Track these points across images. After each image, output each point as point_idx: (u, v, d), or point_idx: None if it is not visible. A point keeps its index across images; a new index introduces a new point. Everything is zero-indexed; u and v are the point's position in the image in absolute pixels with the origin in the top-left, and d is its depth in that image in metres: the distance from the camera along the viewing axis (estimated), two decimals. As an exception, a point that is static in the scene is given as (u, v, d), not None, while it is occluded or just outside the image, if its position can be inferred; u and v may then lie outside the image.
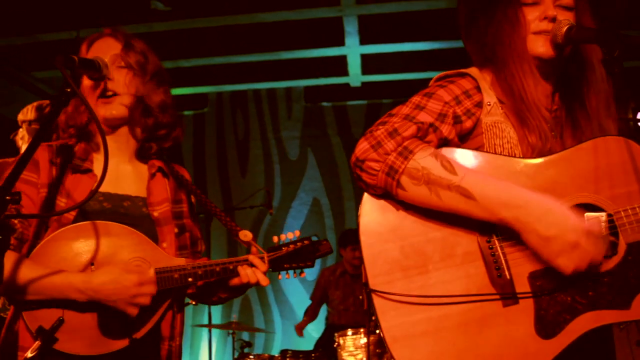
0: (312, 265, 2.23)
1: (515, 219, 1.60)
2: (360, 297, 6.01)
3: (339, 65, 7.45)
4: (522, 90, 1.80)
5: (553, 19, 1.80)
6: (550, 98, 1.90)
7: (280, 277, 2.23)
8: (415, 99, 1.82)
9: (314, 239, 2.26)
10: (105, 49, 2.15)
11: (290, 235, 2.22)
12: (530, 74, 1.81)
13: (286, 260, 2.20)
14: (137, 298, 1.92)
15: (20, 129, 3.26)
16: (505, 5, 1.86)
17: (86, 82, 2.11)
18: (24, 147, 3.23)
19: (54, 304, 1.91)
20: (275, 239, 2.22)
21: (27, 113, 3.24)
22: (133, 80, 2.14)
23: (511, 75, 1.82)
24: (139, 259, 2.03)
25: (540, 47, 1.82)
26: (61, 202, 2.03)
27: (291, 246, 2.20)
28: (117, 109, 2.11)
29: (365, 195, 1.77)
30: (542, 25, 1.82)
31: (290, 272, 2.23)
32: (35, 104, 3.28)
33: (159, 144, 2.23)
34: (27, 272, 1.87)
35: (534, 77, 1.82)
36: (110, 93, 2.10)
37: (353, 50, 6.96)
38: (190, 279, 2.05)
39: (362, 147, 1.71)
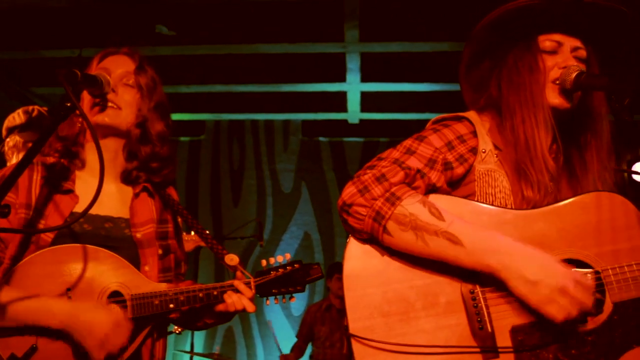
0: (302, 290, 2.15)
1: (502, 265, 1.58)
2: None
3: (339, 101, 7.48)
4: (530, 140, 1.78)
5: None
6: (551, 146, 1.87)
7: (268, 302, 2.16)
8: (407, 142, 1.80)
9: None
10: (118, 64, 2.14)
11: (280, 258, 2.15)
12: (543, 123, 1.79)
13: (275, 284, 2.12)
14: (106, 344, 1.84)
15: (8, 139, 3.17)
16: (523, 50, 1.86)
17: (86, 96, 2.07)
18: (14, 158, 3.15)
19: (28, 331, 1.85)
20: (264, 262, 2.15)
21: (16, 118, 3.16)
22: (138, 101, 2.12)
23: (521, 123, 1.80)
24: (118, 284, 1.98)
25: (556, 98, 1.82)
26: (40, 223, 1.97)
27: (280, 270, 2.13)
28: (111, 117, 2.06)
29: (351, 238, 1.75)
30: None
31: (280, 297, 2.15)
32: (20, 110, 3.20)
33: (148, 176, 2.18)
34: (0, 296, 1.82)
35: (546, 127, 1.80)
36: (111, 104, 2.06)
37: (353, 87, 6.99)
38: (171, 305, 2.00)
39: (349, 191, 1.69)
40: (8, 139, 3.16)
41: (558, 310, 1.54)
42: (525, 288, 1.56)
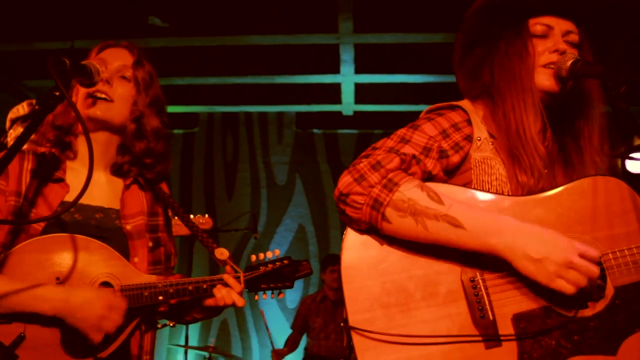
0: (291, 286, 2.16)
1: (505, 245, 1.57)
2: (342, 324, 5.93)
3: (333, 93, 7.46)
4: (520, 125, 1.78)
5: (563, 53, 1.78)
6: (542, 133, 1.86)
7: (257, 297, 2.16)
8: (401, 131, 1.80)
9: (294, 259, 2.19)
10: (116, 57, 2.12)
11: (269, 254, 2.16)
12: (532, 108, 1.79)
13: (264, 280, 2.13)
14: (103, 322, 1.85)
15: (11, 130, 3.17)
16: (513, 35, 1.85)
17: (81, 88, 2.05)
18: None
19: (16, 319, 1.83)
20: (254, 257, 2.16)
21: (20, 110, 3.17)
22: (134, 95, 2.11)
23: (511, 108, 1.80)
24: (108, 275, 1.97)
25: (547, 80, 1.81)
26: (30, 211, 1.96)
27: (269, 266, 2.14)
28: (103, 110, 2.04)
29: (348, 229, 1.73)
30: (552, 58, 1.81)
31: (268, 292, 2.16)
32: (24, 102, 3.22)
33: (140, 170, 2.17)
34: None
35: (535, 111, 1.79)
36: (102, 96, 2.04)
37: (348, 78, 6.97)
38: (160, 297, 1.99)
39: (345, 180, 1.67)
40: (11, 130, 3.16)
41: (567, 283, 1.54)
42: (531, 267, 1.55)
